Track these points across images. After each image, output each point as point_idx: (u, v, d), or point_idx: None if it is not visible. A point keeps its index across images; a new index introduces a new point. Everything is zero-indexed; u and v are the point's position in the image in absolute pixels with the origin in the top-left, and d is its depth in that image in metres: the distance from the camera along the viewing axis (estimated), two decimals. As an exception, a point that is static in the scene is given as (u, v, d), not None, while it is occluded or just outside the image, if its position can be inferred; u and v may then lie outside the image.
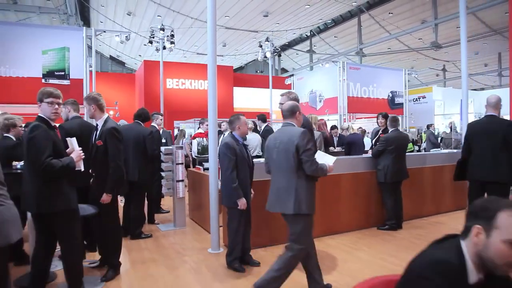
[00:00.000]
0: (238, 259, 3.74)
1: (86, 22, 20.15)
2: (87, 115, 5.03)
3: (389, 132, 5.01)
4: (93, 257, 4.02)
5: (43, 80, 8.55)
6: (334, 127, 7.69)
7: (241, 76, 19.30)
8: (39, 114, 2.90)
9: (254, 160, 4.68)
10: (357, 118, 12.90)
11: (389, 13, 18.53)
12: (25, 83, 8.40)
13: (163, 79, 12.76)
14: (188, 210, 5.94)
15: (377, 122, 5.61)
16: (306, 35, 22.03)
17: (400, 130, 5.30)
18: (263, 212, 4.32)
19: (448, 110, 13.75)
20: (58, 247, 3.37)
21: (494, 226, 1.28)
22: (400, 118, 12.31)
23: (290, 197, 2.86)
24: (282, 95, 3.77)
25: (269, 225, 4.40)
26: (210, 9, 4.47)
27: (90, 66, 9.30)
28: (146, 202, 5.34)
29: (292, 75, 22.59)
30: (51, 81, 8.67)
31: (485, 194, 3.99)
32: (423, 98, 13.99)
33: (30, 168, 2.76)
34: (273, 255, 4.11)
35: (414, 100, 14.35)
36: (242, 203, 3.57)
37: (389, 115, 5.27)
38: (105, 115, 3.66)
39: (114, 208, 3.61)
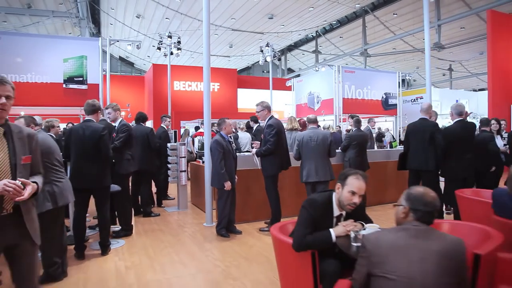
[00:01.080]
0: (225, 228, 5.16)
1: (97, 24, 21.73)
2: (104, 117, 6.56)
3: (353, 131, 6.39)
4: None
5: (64, 85, 10.13)
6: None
7: (245, 78, 20.75)
8: (103, 118, 4.44)
9: (244, 154, 6.14)
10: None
11: (394, 14, 19.70)
12: (48, 88, 9.99)
13: (170, 82, 14.27)
14: (190, 197, 7.43)
15: (349, 122, 6.97)
16: (312, 35, 23.31)
17: (362, 129, 6.64)
18: (249, 195, 5.79)
19: (445, 110, 14.92)
20: (87, 220, 4.89)
21: (345, 183, 2.65)
22: (394, 118, 13.62)
23: (327, 170, 5.22)
24: (257, 104, 5.23)
25: (252, 205, 5.83)
26: (205, 13, 5.86)
27: (104, 71, 10.80)
28: (155, 189, 6.86)
29: (299, 75, 23.94)
30: (71, 86, 10.24)
31: (421, 180, 5.35)
32: (420, 98, 15.15)
33: (95, 156, 4.28)
34: (254, 227, 5.54)
35: (412, 100, 15.52)
36: (228, 185, 4.98)
37: (355, 116, 6.61)
38: (120, 118, 5.48)
39: (127, 187, 5.36)
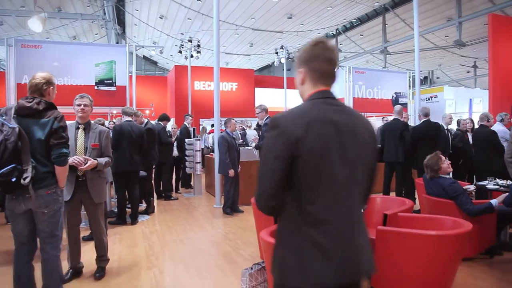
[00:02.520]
0: (230, 208, 6.65)
1: (122, 24, 23.62)
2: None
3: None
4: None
5: (95, 87, 11.87)
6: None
7: (262, 77, 22.19)
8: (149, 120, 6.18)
9: (247, 148, 7.62)
10: (368, 117, 15.36)
11: (414, 11, 20.58)
12: (82, 90, 11.68)
13: (191, 82, 15.90)
14: (204, 185, 8.99)
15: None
16: (332, 33, 24.45)
17: None
18: (251, 182, 7.24)
19: (459, 109, 15.80)
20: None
21: None
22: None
23: None
24: (256, 107, 6.68)
25: (253, 190, 7.27)
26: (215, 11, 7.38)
27: (130, 72, 12.47)
28: (174, 177, 8.49)
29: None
30: (102, 88, 11.98)
31: (394, 172, 6.66)
32: (435, 97, 16.10)
33: (138, 147, 6.00)
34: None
35: (427, 99, 16.46)
36: (231, 172, 6.46)
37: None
38: (146, 120, 7.12)
39: (150, 177, 6.97)
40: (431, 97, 16.25)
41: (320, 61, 1.64)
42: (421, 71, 19.13)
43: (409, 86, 14.74)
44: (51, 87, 2.98)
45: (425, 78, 24.22)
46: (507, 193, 4.16)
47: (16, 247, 2.95)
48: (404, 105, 14.54)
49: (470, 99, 15.99)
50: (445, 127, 7.52)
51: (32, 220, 2.90)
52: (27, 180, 2.63)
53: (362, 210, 3.52)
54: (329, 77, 1.68)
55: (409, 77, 14.79)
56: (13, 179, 2.56)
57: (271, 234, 3.11)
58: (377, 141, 1.90)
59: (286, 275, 1.52)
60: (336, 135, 1.50)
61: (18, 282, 2.91)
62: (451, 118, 8.12)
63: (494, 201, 4.10)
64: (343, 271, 1.48)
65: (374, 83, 14.02)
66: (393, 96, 14.31)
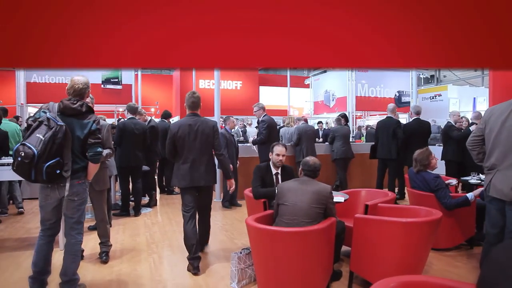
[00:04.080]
0: (228, 202, 7.05)
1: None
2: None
3: (335, 126, 8.12)
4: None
5: (102, 86, 12.36)
6: (319, 123, 10.80)
7: (266, 76, 22.56)
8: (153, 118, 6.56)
9: (246, 145, 8.02)
10: (370, 115, 15.70)
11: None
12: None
13: (196, 81, 16.33)
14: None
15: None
16: (338, 31, 24.75)
17: (342, 125, 8.29)
18: (250, 177, 7.60)
19: (464, 107, 15.99)
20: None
21: (273, 151, 4.45)
22: (406, 115, 14.98)
23: (314, 151, 7.70)
24: (254, 106, 7.06)
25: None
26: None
27: (136, 71, 12.94)
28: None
29: (325, 71, 25.39)
30: (108, 86, 12.47)
31: (387, 167, 7.00)
32: (439, 96, 16.32)
33: (141, 144, 6.42)
34: (252, 203, 7.39)
35: (431, 98, 16.68)
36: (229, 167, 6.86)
37: (339, 114, 8.31)
38: (149, 118, 7.36)
39: (153, 171, 7.27)
40: (435, 96, 16.49)
41: (189, 101, 4.21)
42: (427, 69, 19.30)
43: (412, 85, 14.99)
44: (89, 90, 3.40)
45: (432, 76, 24.33)
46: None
47: (42, 229, 3.32)
48: (407, 104, 14.83)
49: (474, 98, 16.20)
50: (453, 124, 7.30)
51: (61, 210, 3.29)
52: (69, 172, 3.11)
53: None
54: (194, 107, 4.21)
55: (412, 76, 15.02)
56: (58, 171, 3.01)
57: (256, 220, 3.50)
58: (214, 130, 4.21)
59: (173, 181, 4.28)
60: (190, 130, 4.08)
61: (36, 255, 3.28)
62: (459, 115, 7.98)
63: (470, 195, 4.43)
64: (193, 180, 4.11)
65: (377, 82, 14.31)
66: (395, 95, 14.59)
